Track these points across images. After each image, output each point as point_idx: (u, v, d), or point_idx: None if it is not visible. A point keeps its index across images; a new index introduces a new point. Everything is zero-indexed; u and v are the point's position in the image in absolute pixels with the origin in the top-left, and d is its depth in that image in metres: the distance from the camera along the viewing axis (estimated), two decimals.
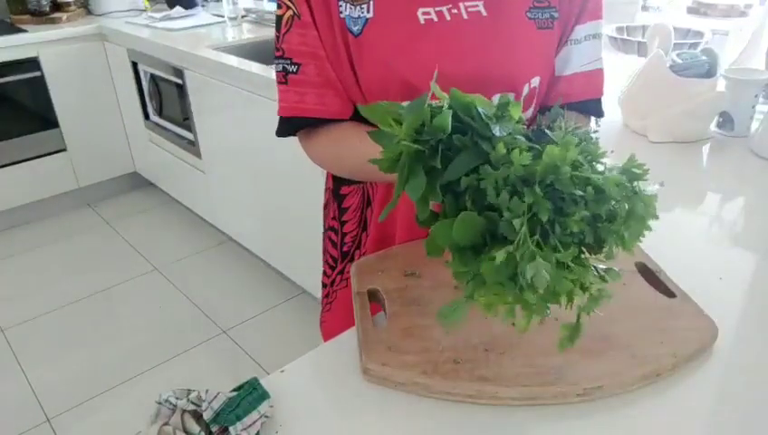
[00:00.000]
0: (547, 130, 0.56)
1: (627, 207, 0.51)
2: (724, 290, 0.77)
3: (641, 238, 0.52)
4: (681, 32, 1.72)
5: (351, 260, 0.93)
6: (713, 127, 1.26)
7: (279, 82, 0.78)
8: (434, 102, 0.55)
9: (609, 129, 1.30)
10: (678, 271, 0.75)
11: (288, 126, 0.80)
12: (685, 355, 0.63)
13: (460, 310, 0.55)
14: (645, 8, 2.19)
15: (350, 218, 0.91)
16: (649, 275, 0.75)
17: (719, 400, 0.61)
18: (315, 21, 0.75)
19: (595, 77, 0.82)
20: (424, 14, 0.73)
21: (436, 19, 0.73)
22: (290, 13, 0.76)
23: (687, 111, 1.20)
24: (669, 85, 1.23)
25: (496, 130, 0.53)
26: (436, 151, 0.53)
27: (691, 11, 2.13)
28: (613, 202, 0.51)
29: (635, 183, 0.52)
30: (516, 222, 0.49)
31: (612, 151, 0.54)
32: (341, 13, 0.74)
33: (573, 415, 0.59)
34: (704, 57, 1.27)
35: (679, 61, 1.27)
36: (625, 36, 1.77)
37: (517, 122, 0.55)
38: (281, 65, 0.77)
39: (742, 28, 1.71)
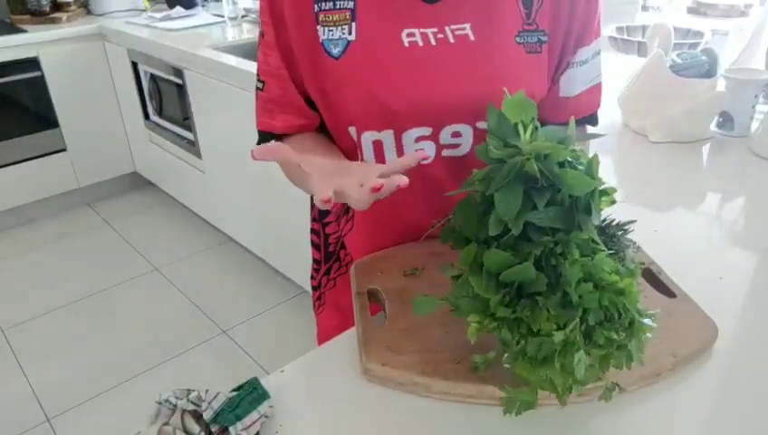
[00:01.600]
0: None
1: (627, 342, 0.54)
2: (724, 290, 0.77)
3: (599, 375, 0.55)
4: (681, 32, 1.72)
5: (337, 260, 0.93)
6: (713, 127, 1.26)
7: (255, 96, 0.82)
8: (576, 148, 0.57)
9: (609, 129, 1.30)
10: (678, 271, 0.75)
11: (261, 138, 0.85)
12: (685, 355, 0.63)
13: (433, 306, 0.60)
14: (645, 8, 2.19)
15: (332, 220, 0.90)
16: (650, 275, 0.75)
17: (719, 400, 0.61)
18: (278, 41, 0.75)
19: (596, 91, 0.83)
20: (408, 35, 0.71)
21: (421, 43, 0.71)
22: (260, 30, 0.78)
23: (687, 110, 1.20)
24: (669, 85, 1.23)
25: (594, 216, 0.55)
26: (542, 190, 0.54)
27: (691, 11, 2.13)
28: (623, 336, 0.53)
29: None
30: (577, 312, 0.51)
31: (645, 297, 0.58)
32: (320, 38, 0.72)
33: (573, 415, 0.59)
34: (704, 57, 1.27)
35: (679, 61, 1.27)
36: (625, 36, 1.77)
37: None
38: (256, 80, 0.81)
39: (742, 28, 1.71)
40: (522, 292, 0.54)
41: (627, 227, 0.62)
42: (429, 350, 0.63)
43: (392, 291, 0.72)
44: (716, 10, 2.05)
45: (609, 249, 0.56)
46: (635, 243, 0.61)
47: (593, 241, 0.54)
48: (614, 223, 0.63)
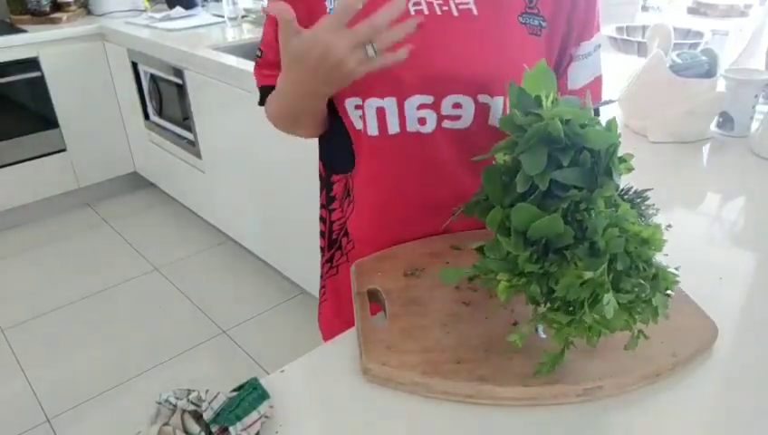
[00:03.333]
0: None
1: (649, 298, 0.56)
2: (724, 290, 0.77)
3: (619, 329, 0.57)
4: (681, 32, 1.72)
5: (339, 248, 0.93)
6: (713, 127, 1.26)
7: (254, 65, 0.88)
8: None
9: None
10: (679, 271, 0.74)
11: (262, 93, 0.87)
12: (685, 355, 0.63)
13: (458, 275, 0.64)
14: (645, 8, 2.19)
15: (337, 207, 0.91)
16: None
17: (719, 400, 0.61)
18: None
19: (598, 84, 0.85)
20: (415, 4, 0.73)
21: (426, 11, 0.73)
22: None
23: (687, 111, 1.20)
24: (669, 85, 1.23)
25: (616, 176, 0.57)
26: (565, 150, 0.56)
27: (691, 11, 2.13)
28: (648, 289, 0.55)
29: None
30: (605, 258, 0.53)
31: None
32: (327, 7, 0.75)
33: (573, 415, 0.59)
34: (704, 57, 1.27)
35: (679, 61, 1.27)
36: (625, 36, 1.77)
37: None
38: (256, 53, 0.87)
39: (742, 28, 1.71)
40: (548, 250, 0.56)
41: (645, 195, 0.64)
42: (429, 350, 0.63)
43: (392, 291, 0.72)
44: (716, 10, 2.05)
45: None
46: (654, 205, 0.63)
47: (615, 199, 0.57)
48: (632, 190, 0.64)
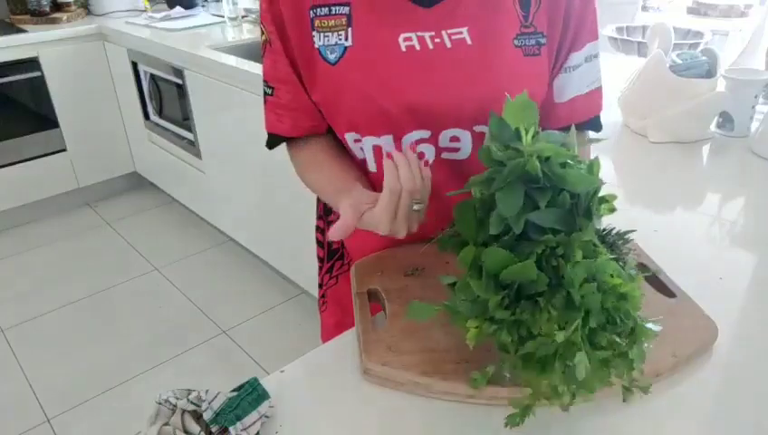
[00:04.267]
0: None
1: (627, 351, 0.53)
2: (724, 290, 0.77)
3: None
4: (681, 32, 1.72)
5: (341, 258, 0.93)
6: (713, 127, 1.26)
7: (263, 101, 0.83)
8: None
9: (609, 129, 1.30)
10: (678, 271, 0.74)
11: (272, 141, 0.85)
12: (685, 355, 0.63)
13: (428, 313, 0.60)
14: (645, 8, 2.19)
15: (335, 219, 0.91)
16: (649, 275, 0.75)
17: (719, 400, 0.61)
18: (285, 48, 0.75)
19: (595, 97, 0.80)
20: (406, 39, 0.70)
21: (418, 47, 0.70)
22: (264, 37, 0.78)
23: (687, 111, 1.20)
24: (669, 85, 1.23)
25: (595, 220, 0.55)
26: (544, 190, 0.54)
27: (691, 11, 2.13)
28: (625, 343, 0.53)
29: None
30: (580, 313, 0.51)
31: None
32: (315, 43, 0.73)
33: (573, 415, 0.59)
34: (704, 57, 1.27)
35: (679, 61, 1.27)
36: (625, 36, 1.77)
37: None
38: (263, 86, 0.82)
39: (742, 28, 1.71)
40: (521, 294, 0.53)
41: (627, 236, 0.62)
42: (429, 350, 0.63)
43: (392, 291, 0.72)
44: (716, 10, 2.05)
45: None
46: (634, 250, 0.61)
47: (594, 244, 0.53)
48: (614, 232, 0.62)
